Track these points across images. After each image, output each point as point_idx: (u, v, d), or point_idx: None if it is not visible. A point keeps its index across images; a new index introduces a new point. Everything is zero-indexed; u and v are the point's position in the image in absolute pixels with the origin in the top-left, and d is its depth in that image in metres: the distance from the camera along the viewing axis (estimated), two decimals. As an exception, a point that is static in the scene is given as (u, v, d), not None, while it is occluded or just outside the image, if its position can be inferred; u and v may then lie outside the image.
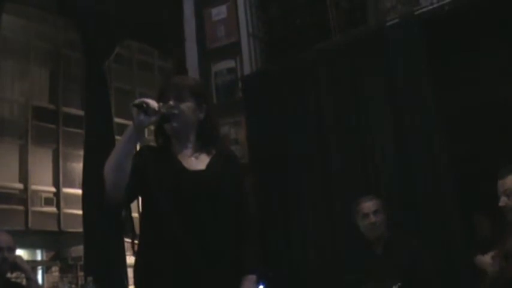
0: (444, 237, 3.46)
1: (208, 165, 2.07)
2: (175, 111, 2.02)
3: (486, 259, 2.76)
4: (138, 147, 2.13)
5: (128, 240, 4.88)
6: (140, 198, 2.10)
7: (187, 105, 2.06)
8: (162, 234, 1.97)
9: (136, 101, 1.90)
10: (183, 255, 1.93)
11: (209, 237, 1.96)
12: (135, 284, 2.04)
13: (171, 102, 2.02)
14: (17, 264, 3.03)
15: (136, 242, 2.11)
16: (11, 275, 3.31)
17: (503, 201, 2.67)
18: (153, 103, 1.91)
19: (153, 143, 2.18)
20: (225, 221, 2.03)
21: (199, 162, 2.07)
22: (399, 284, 2.96)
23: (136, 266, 2.05)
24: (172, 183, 1.99)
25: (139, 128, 1.91)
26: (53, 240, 16.20)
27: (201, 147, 2.11)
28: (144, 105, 1.89)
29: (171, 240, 1.94)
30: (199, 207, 1.97)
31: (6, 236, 3.07)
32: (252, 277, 2.05)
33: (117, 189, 1.91)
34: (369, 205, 3.31)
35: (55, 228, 16.12)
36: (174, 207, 1.96)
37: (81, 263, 13.40)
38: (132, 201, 2.06)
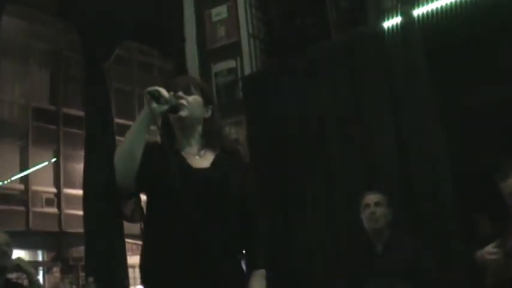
0: (444, 237, 3.47)
1: (212, 163, 2.08)
2: (184, 102, 2.05)
3: (487, 249, 2.76)
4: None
5: (129, 240, 4.88)
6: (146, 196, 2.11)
7: (195, 98, 2.10)
8: (167, 232, 1.97)
9: (150, 89, 1.94)
10: (188, 254, 1.93)
11: (213, 235, 1.96)
12: (142, 281, 2.04)
13: (180, 93, 2.05)
14: (20, 266, 3.04)
15: (138, 242, 2.13)
16: (12, 276, 3.32)
17: None
18: (165, 92, 1.96)
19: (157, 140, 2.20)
20: (230, 218, 2.03)
21: (203, 161, 2.08)
22: None
23: (142, 264, 2.05)
24: (176, 180, 1.99)
25: (151, 116, 1.95)
26: (53, 240, 16.20)
27: (205, 145, 2.12)
28: (157, 93, 1.93)
29: (175, 238, 1.95)
30: (203, 205, 1.97)
31: (0, 232, 3.09)
32: (262, 271, 2.06)
33: (128, 176, 1.93)
34: (371, 197, 3.39)
35: (56, 229, 16.13)
36: (178, 205, 1.96)
37: (82, 263, 13.39)
38: (141, 190, 2.08)
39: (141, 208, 2.28)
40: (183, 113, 2.04)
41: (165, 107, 1.96)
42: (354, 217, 3.44)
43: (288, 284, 3.97)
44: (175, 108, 2.02)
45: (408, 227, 3.53)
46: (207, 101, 2.15)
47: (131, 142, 1.96)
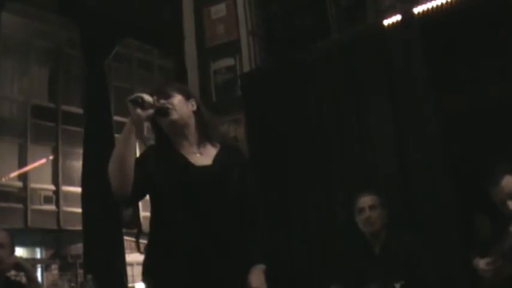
0: (444, 237, 3.46)
1: (214, 160, 2.10)
2: (169, 106, 2.05)
3: (481, 264, 2.77)
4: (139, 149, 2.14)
5: (128, 238, 4.88)
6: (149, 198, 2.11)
7: (176, 98, 2.10)
8: (172, 231, 1.99)
9: (132, 96, 1.94)
10: (193, 250, 1.95)
11: (218, 231, 1.99)
12: (146, 280, 2.04)
13: (161, 101, 2.05)
14: (18, 264, 3.03)
15: (141, 241, 2.14)
16: (11, 273, 3.31)
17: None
18: (148, 97, 1.96)
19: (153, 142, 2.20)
20: (233, 214, 2.06)
21: (204, 158, 2.10)
22: (402, 282, 2.96)
23: (146, 264, 2.06)
24: (179, 179, 2.01)
25: (137, 122, 1.94)
26: (52, 238, 16.22)
27: (203, 140, 2.13)
28: (140, 99, 1.93)
29: (181, 236, 1.97)
30: (208, 202, 2.00)
31: (3, 232, 3.08)
32: (261, 266, 2.08)
33: (124, 186, 1.92)
34: (365, 200, 3.31)
35: (54, 227, 16.15)
36: (182, 203, 1.97)
37: (81, 261, 13.40)
38: (140, 199, 2.07)
39: (139, 218, 2.28)
40: (173, 116, 2.05)
41: (150, 111, 1.96)
42: (353, 217, 3.43)
43: (288, 284, 3.96)
44: (162, 110, 2.01)
45: (408, 227, 3.52)
46: (187, 96, 2.16)
47: (121, 153, 1.94)
